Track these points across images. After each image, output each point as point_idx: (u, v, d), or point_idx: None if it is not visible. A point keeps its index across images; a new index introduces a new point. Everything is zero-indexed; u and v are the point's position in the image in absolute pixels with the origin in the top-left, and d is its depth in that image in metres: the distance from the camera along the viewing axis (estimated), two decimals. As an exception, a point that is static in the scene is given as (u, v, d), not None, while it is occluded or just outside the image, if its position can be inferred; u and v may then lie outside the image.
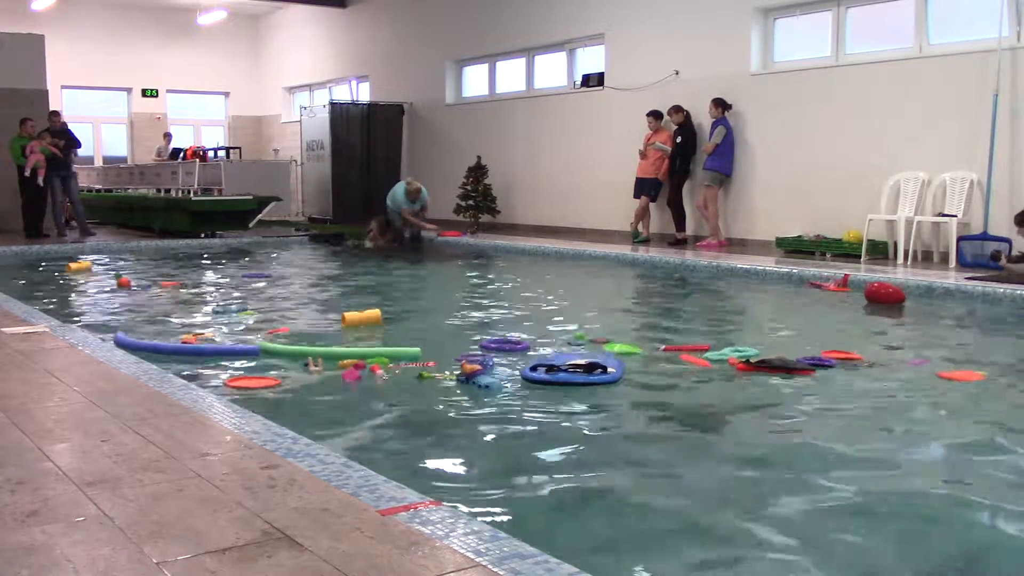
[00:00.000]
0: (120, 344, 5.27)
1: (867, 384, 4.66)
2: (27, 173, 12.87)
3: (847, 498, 3.04)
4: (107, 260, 11.12)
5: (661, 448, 3.67)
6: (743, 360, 4.89)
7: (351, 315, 6.17)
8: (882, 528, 2.81)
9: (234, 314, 6.87)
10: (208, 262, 11.08)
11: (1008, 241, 8.52)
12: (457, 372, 4.54)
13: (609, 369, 4.62)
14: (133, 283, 8.57)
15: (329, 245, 13.17)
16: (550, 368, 4.53)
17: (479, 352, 5.21)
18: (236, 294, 8.13)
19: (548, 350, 5.39)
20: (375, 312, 6.25)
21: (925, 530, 2.83)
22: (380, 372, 4.61)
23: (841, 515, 2.90)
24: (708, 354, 5.19)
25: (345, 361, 4.78)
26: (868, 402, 4.33)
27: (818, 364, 4.90)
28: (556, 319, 6.72)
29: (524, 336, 5.81)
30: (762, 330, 6.55)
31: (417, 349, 5.05)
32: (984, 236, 8.85)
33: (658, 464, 3.46)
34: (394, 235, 12.80)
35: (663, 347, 5.47)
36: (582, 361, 4.68)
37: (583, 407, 4.20)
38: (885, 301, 7.24)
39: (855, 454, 3.53)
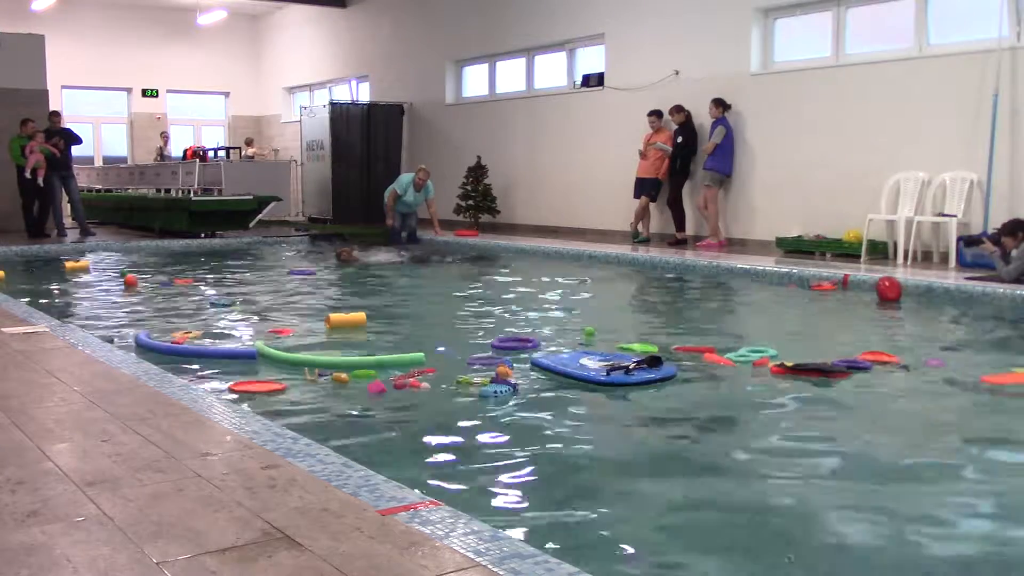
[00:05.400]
0: (141, 344, 5.27)
1: (912, 390, 4.58)
2: (28, 174, 12.88)
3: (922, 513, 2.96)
4: (107, 260, 11.12)
5: (678, 450, 3.64)
6: (778, 363, 4.83)
7: (336, 317, 6.16)
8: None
9: (224, 309, 6.92)
10: (214, 261, 11.07)
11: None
12: (492, 377, 4.51)
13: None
14: (139, 282, 8.59)
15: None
16: (628, 370, 4.48)
17: (488, 354, 5.20)
18: (233, 291, 8.13)
19: (565, 351, 5.37)
20: (360, 314, 6.24)
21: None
22: (424, 386, 4.39)
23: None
24: (731, 355, 5.16)
25: (338, 374, 4.71)
26: (921, 409, 4.26)
27: (855, 367, 4.82)
28: (558, 319, 6.72)
29: (531, 337, 5.81)
30: (766, 329, 6.55)
31: (421, 355, 5.02)
32: (984, 236, 8.83)
33: (673, 466, 3.44)
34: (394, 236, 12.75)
35: (675, 347, 5.46)
36: (641, 358, 4.67)
37: (591, 406, 4.19)
38: (887, 296, 7.29)
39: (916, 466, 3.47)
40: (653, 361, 4.62)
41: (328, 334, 5.94)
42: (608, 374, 4.47)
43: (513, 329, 6.17)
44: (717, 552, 2.66)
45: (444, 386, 4.46)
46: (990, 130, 8.82)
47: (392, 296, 8.50)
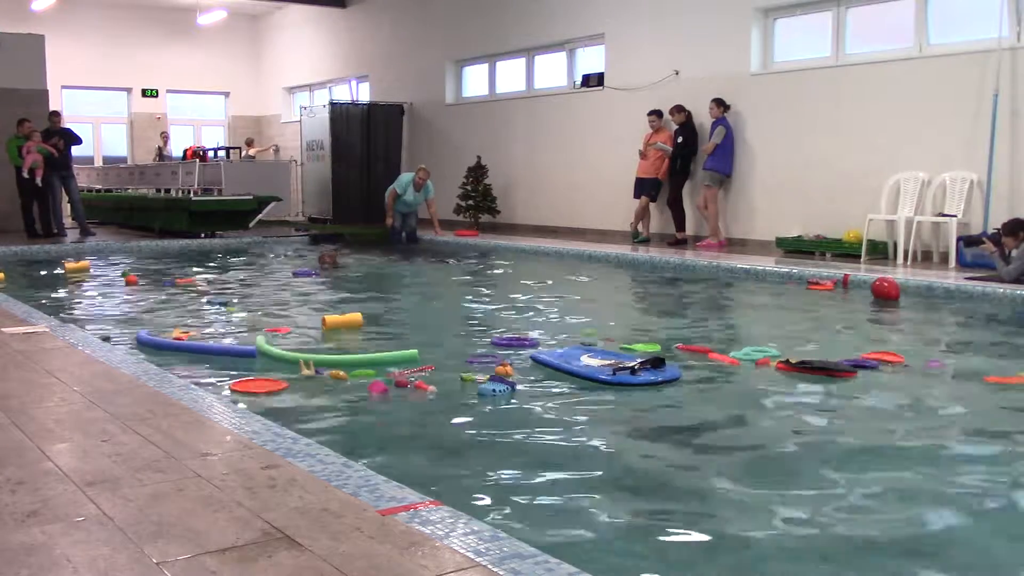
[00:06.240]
0: (141, 342, 5.27)
1: (917, 390, 4.58)
2: (25, 174, 12.87)
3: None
4: (107, 260, 11.11)
5: (683, 451, 3.63)
6: (783, 361, 4.83)
7: (332, 318, 6.16)
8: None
9: (222, 308, 6.93)
10: (214, 261, 11.07)
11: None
12: (491, 375, 4.51)
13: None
14: (140, 282, 8.59)
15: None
16: (633, 370, 4.48)
17: (487, 354, 5.19)
18: (233, 291, 8.13)
19: (560, 349, 5.37)
20: (356, 316, 6.24)
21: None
22: (431, 389, 4.36)
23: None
24: (735, 353, 5.16)
25: (335, 372, 4.69)
26: (926, 408, 4.26)
27: (860, 366, 4.82)
28: (559, 319, 6.72)
29: (530, 335, 5.81)
30: (767, 330, 6.54)
31: (414, 351, 5.02)
32: (984, 236, 8.83)
33: (677, 467, 3.43)
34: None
35: (677, 346, 5.46)
36: (645, 359, 4.66)
37: (594, 406, 4.18)
38: (888, 295, 7.30)
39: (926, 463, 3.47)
40: (656, 362, 4.61)
41: (324, 335, 5.94)
42: (614, 373, 4.44)
43: (513, 329, 6.16)
44: (723, 552, 2.65)
45: (444, 386, 4.45)
46: (990, 130, 8.82)
47: (391, 297, 8.49)
